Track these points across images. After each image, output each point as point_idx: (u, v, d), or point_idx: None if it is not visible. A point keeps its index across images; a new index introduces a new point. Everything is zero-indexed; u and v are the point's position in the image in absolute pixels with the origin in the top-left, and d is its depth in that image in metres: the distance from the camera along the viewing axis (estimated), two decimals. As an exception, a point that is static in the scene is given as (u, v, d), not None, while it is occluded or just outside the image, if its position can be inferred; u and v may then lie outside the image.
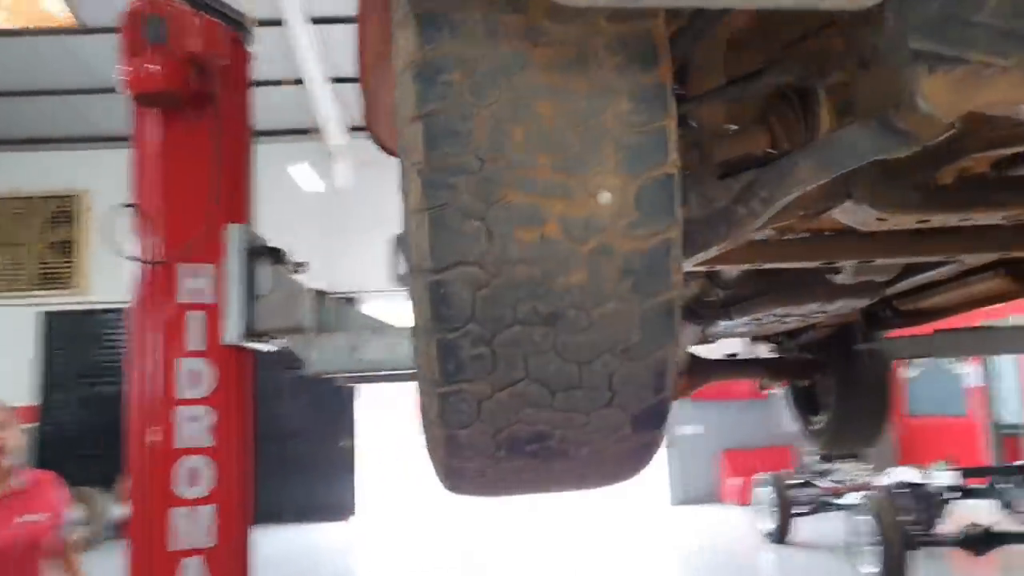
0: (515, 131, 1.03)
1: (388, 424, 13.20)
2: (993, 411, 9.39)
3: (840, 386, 4.06)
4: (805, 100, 1.26)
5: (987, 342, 3.21)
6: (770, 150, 1.38)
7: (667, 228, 1.05)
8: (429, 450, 1.26)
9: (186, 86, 2.49)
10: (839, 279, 2.46)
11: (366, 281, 11.05)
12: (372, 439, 12.74)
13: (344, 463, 11.94)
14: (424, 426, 1.23)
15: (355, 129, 11.58)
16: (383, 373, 2.30)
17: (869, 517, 6.53)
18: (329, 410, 11.80)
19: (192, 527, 2.39)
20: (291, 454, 11.31)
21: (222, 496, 2.45)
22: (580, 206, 1.02)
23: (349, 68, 11.12)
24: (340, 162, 11.72)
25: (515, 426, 1.12)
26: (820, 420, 4.28)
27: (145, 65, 2.44)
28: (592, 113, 1.03)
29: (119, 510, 9.93)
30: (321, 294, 2.44)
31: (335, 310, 2.45)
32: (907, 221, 1.49)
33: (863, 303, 3.16)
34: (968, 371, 9.71)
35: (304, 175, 11.11)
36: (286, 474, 10.96)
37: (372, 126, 2.39)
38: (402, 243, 2.93)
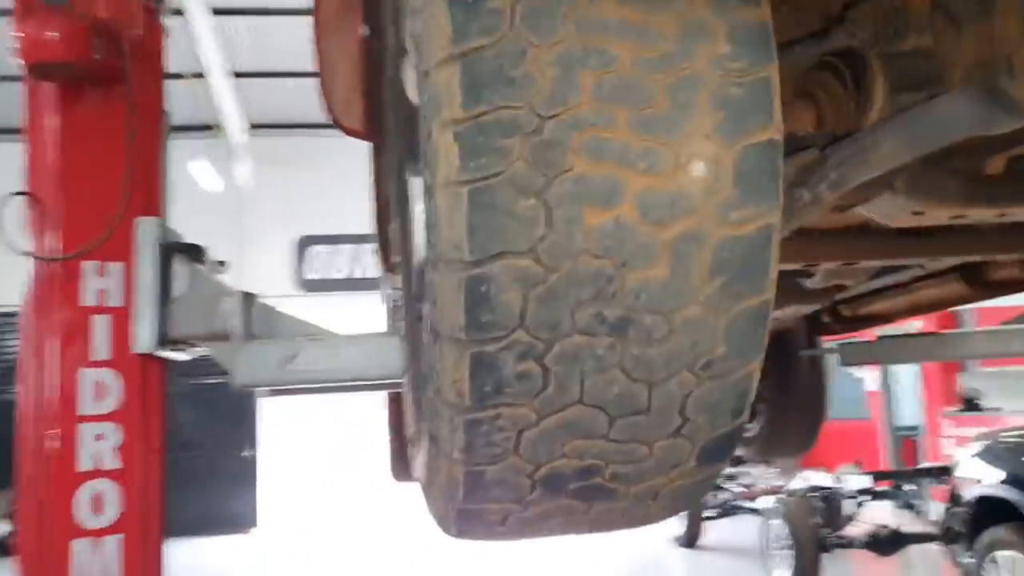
0: (584, 79, 0.79)
1: (294, 432, 12.78)
2: (891, 414, 9.70)
3: (774, 392, 4.00)
4: (856, 71, 1.09)
5: (936, 348, 3.20)
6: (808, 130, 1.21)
7: (768, 211, 0.83)
8: (434, 490, 1.00)
9: (91, 57, 2.18)
10: (809, 283, 2.36)
11: (265, 284, 10.60)
12: (276, 448, 12.28)
13: (245, 473, 11.43)
14: (433, 460, 0.98)
15: (256, 126, 11.13)
16: (324, 384, 2.06)
17: (782, 521, 6.60)
18: (230, 418, 11.28)
19: (96, 561, 2.09)
20: (188, 463, 10.74)
21: (131, 525, 2.16)
22: (666, 180, 0.80)
23: (251, 62, 10.66)
24: (240, 160, 11.25)
25: (559, 461, 0.89)
26: (752, 427, 4.22)
27: (41, 30, 2.12)
28: (681, 57, 0.81)
29: (1, 526, 9.20)
30: (249, 297, 2.17)
31: (264, 315, 2.19)
32: (943, 216, 1.35)
33: (811, 308, 3.09)
34: (867, 375, 10.01)
35: (203, 173, 10.59)
36: (182, 484, 10.37)
37: (327, 95, 2.12)
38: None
